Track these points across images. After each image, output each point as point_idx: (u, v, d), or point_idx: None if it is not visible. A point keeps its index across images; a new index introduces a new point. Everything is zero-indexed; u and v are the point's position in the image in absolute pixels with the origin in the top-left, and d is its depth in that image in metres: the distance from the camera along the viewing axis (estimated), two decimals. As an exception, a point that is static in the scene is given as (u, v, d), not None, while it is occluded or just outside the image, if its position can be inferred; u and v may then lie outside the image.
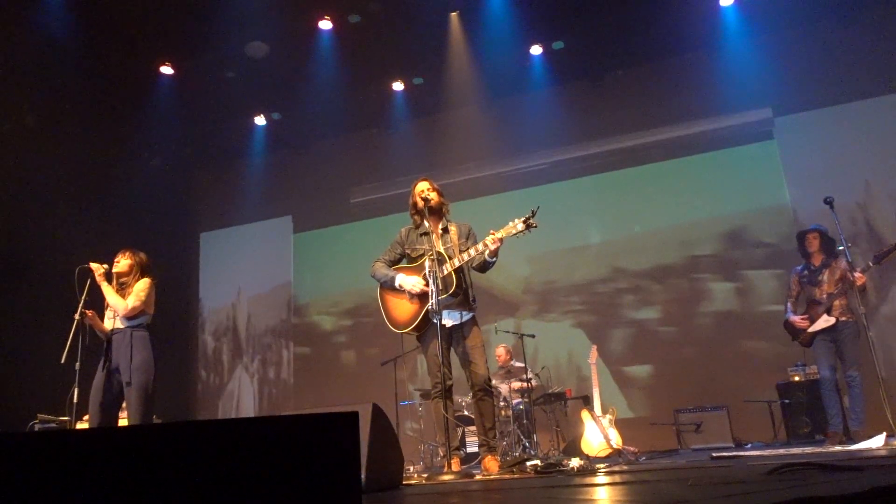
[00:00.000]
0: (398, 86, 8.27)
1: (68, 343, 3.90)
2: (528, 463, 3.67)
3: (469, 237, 4.14)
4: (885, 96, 7.01)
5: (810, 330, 5.07)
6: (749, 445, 6.01)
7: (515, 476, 3.53)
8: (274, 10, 6.70)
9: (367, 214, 8.94)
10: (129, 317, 4.17)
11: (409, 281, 3.98)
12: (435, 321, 3.72)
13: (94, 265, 4.17)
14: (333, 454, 1.35)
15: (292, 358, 9.07)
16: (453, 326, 3.98)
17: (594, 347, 6.43)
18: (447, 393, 3.82)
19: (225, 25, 6.75)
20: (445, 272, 3.84)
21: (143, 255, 4.39)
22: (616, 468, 3.80)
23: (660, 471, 3.22)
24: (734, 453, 4.79)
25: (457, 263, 3.86)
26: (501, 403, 6.22)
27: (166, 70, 7.55)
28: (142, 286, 4.24)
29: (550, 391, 6.60)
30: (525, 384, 6.40)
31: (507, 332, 6.53)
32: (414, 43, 7.50)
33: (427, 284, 3.80)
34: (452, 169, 8.33)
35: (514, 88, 8.20)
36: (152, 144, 8.70)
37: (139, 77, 7.51)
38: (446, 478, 3.49)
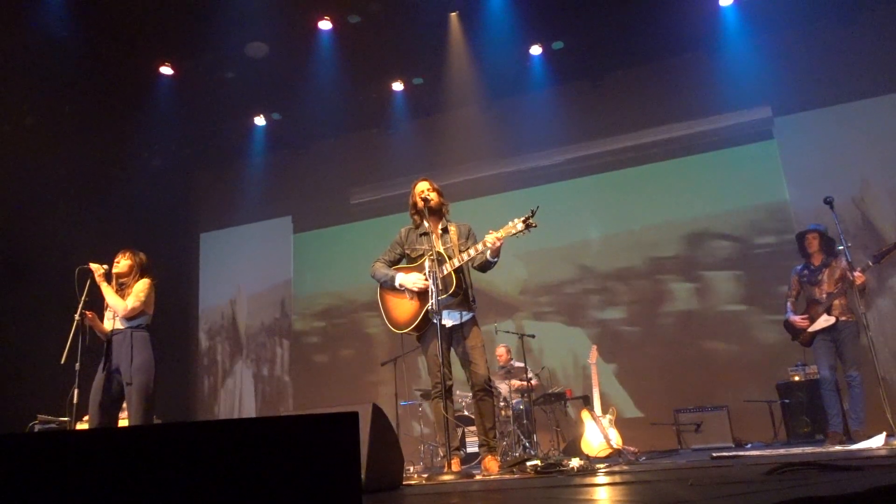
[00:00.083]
0: (398, 86, 8.26)
1: (68, 343, 3.90)
2: (529, 463, 3.67)
3: (469, 237, 4.14)
4: (884, 96, 7.01)
5: (810, 329, 5.07)
6: (749, 445, 6.00)
7: (515, 476, 3.53)
8: (274, 10, 6.69)
9: (367, 215, 8.94)
10: (129, 317, 4.17)
11: (409, 279, 3.97)
12: (435, 321, 3.72)
13: (93, 265, 4.17)
14: (333, 454, 1.35)
15: (292, 358, 9.07)
16: (453, 326, 3.98)
17: (594, 347, 6.44)
18: (447, 393, 3.82)
19: (225, 25, 6.75)
20: (445, 272, 3.84)
21: (142, 256, 4.39)
22: (616, 468, 3.81)
23: (660, 471, 3.22)
24: (734, 453, 4.79)
25: (456, 263, 3.86)
26: (501, 403, 6.22)
27: (166, 70, 7.55)
28: (141, 287, 4.24)
29: (550, 391, 6.60)
30: (525, 384, 6.40)
31: (508, 332, 6.53)
32: (414, 43, 7.50)
33: (427, 279, 3.81)
34: (452, 169, 8.32)
35: (513, 88, 8.20)
36: (152, 145, 8.70)
37: (139, 77, 7.51)
38: (446, 478, 3.49)
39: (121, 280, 4.29)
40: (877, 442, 4.26)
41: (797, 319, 5.17)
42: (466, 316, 3.97)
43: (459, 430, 6.02)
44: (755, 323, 7.10)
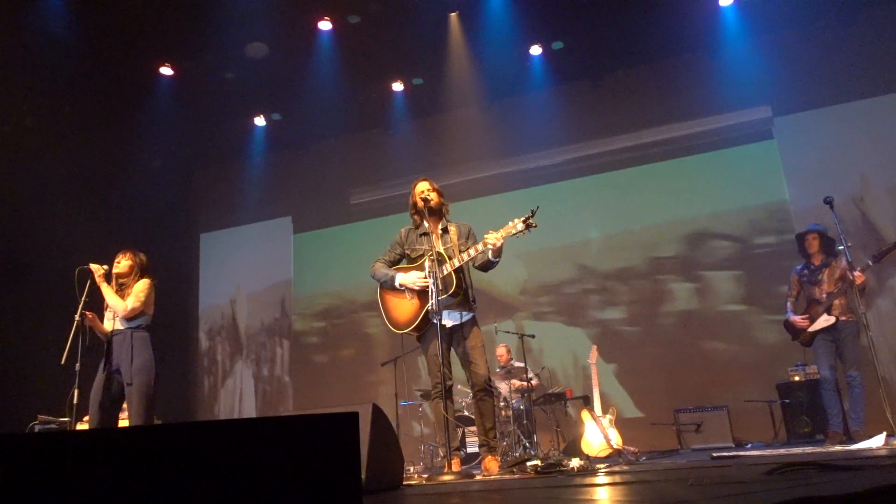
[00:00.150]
0: (398, 86, 8.27)
1: (68, 344, 3.90)
2: (529, 463, 3.67)
3: (469, 237, 4.14)
4: (884, 96, 7.02)
5: (810, 329, 5.07)
6: (749, 445, 6.01)
7: (516, 476, 3.53)
8: (274, 10, 6.69)
9: (367, 215, 8.94)
10: (129, 318, 4.17)
11: (409, 277, 3.98)
12: (435, 321, 3.72)
13: (93, 266, 4.16)
14: (333, 454, 1.35)
15: (292, 358, 9.07)
16: (453, 327, 3.98)
17: (594, 347, 6.44)
18: (447, 393, 3.82)
19: (225, 26, 6.75)
20: (445, 272, 3.84)
21: (143, 256, 4.39)
22: (616, 468, 3.80)
23: (660, 471, 3.22)
24: (734, 453, 4.79)
25: (456, 263, 3.86)
26: (502, 403, 6.22)
27: (166, 70, 7.55)
28: (141, 287, 4.24)
29: (550, 391, 6.60)
30: (525, 384, 6.40)
31: (508, 332, 6.53)
32: (414, 43, 7.50)
33: (426, 276, 3.80)
34: (452, 169, 8.32)
35: (513, 88, 8.20)
36: (152, 145, 8.70)
37: (139, 77, 7.51)
38: (446, 478, 3.49)
39: (121, 280, 4.29)
40: (877, 442, 4.26)
41: (797, 319, 5.17)
42: (466, 316, 3.97)
43: (459, 430, 6.02)
44: (755, 323, 7.10)
